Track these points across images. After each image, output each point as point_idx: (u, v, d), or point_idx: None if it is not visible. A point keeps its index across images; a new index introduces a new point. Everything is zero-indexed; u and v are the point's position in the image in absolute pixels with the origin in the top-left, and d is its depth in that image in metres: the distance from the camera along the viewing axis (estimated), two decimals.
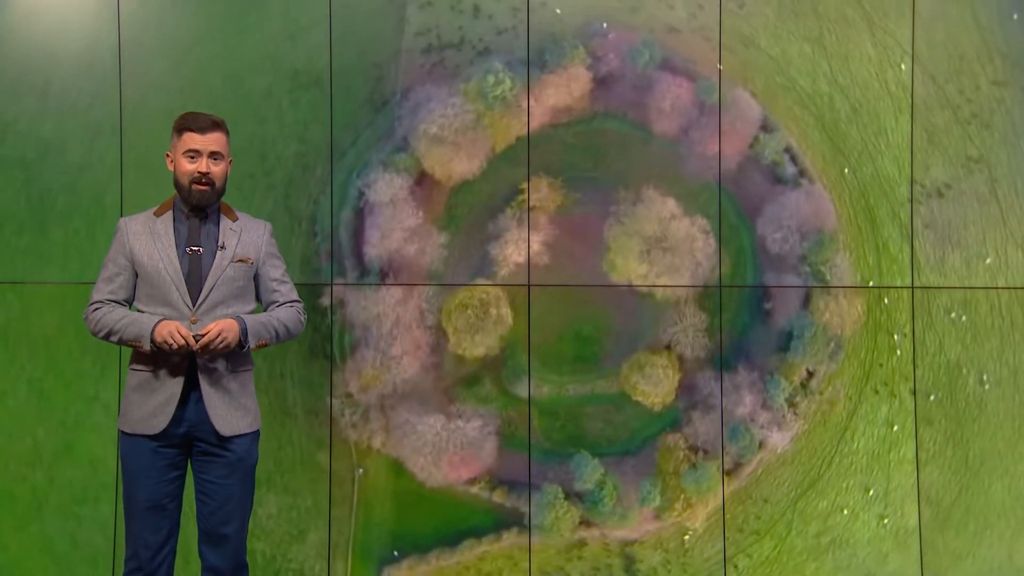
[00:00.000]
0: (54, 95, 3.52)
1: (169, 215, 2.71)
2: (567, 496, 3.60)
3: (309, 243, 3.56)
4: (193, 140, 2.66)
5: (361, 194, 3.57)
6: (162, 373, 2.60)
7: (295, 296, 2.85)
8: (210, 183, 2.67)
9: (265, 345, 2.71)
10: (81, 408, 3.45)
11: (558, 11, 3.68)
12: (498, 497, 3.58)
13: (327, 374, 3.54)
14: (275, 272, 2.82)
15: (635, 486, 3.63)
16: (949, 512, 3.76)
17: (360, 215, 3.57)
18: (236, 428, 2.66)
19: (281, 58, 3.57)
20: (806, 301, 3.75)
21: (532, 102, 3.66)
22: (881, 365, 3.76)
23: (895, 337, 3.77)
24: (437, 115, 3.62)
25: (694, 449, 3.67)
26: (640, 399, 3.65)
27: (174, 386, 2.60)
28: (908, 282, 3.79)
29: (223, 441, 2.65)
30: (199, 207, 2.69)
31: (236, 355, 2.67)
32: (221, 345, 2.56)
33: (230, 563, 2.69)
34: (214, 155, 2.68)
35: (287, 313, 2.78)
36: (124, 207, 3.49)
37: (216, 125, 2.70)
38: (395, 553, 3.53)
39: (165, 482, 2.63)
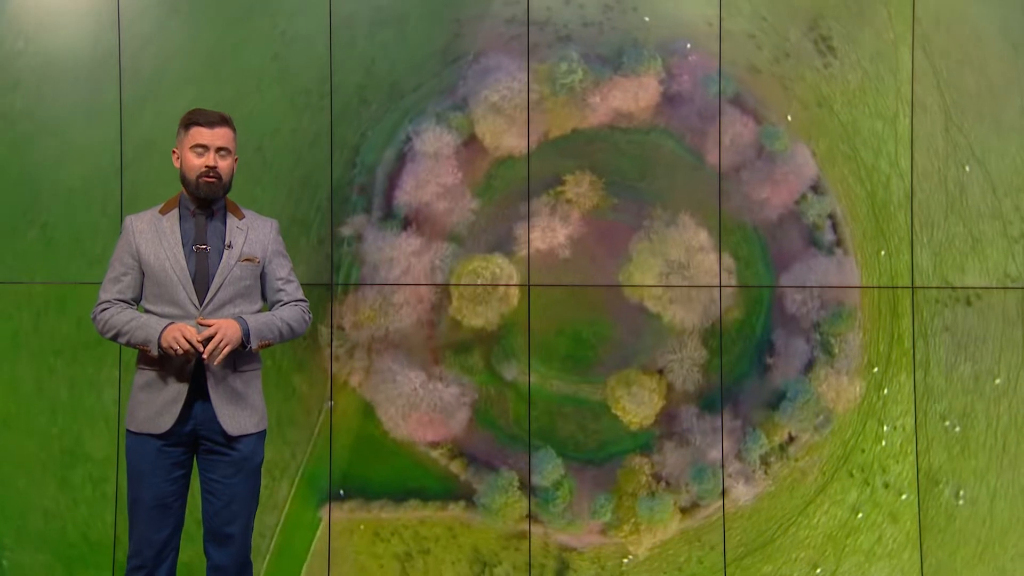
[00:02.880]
0: (53, 90, 3.53)
1: (175, 213, 2.68)
2: (521, 486, 3.59)
3: (345, 173, 3.58)
4: (201, 135, 2.64)
5: (408, 139, 3.59)
6: (169, 373, 2.59)
7: (300, 295, 2.82)
8: (217, 176, 2.65)
9: (269, 344, 2.69)
10: (83, 265, 3.49)
11: (647, 19, 3.68)
12: (455, 468, 3.58)
13: (327, 307, 3.55)
14: (281, 271, 2.79)
15: (590, 496, 3.62)
16: None
17: (402, 159, 3.59)
18: (243, 428, 2.66)
19: None
20: (808, 368, 3.72)
21: (597, 99, 3.66)
22: (863, 451, 3.72)
23: (884, 427, 3.73)
24: (502, 86, 3.63)
25: (657, 478, 3.64)
26: (619, 414, 3.64)
27: (181, 385, 2.59)
28: (914, 392, 3.75)
29: (230, 440, 2.64)
30: (206, 202, 2.67)
31: (243, 355, 2.66)
32: (224, 347, 2.54)
33: (235, 561, 2.69)
34: (221, 150, 2.66)
35: (291, 312, 2.75)
36: (124, 202, 3.51)
37: (224, 120, 2.69)
38: (341, 492, 3.54)
39: (170, 481, 2.63)
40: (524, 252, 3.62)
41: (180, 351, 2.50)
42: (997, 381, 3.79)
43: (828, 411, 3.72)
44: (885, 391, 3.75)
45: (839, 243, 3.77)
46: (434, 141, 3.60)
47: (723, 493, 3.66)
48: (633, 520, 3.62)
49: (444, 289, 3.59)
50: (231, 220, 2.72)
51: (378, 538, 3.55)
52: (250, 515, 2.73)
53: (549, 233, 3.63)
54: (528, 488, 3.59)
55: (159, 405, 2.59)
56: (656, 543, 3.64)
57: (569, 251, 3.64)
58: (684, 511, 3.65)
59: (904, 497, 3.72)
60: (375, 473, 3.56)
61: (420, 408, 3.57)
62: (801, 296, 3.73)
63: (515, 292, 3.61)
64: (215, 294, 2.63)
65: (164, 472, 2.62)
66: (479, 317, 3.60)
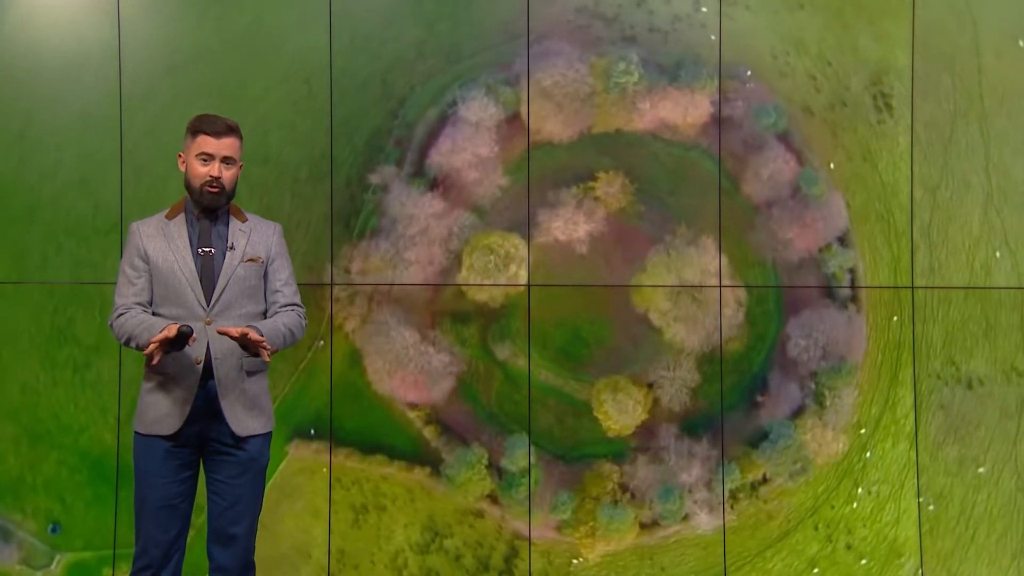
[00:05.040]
0: (54, 93, 3.53)
1: (182, 217, 2.70)
2: (489, 465, 3.59)
3: (386, 122, 3.60)
4: (207, 144, 2.64)
5: (454, 103, 3.60)
6: (178, 374, 2.59)
7: (297, 300, 2.81)
8: (221, 187, 2.66)
9: (275, 351, 2.66)
10: (108, 143, 3.52)
11: (713, 37, 3.68)
12: (429, 433, 3.58)
13: (329, 253, 3.57)
14: (281, 273, 2.79)
15: (553, 491, 3.61)
16: None
17: (443, 120, 3.60)
18: (251, 429, 2.66)
19: None
20: (796, 414, 3.70)
21: (646, 105, 3.66)
22: (833, 507, 3.70)
23: (859, 490, 3.71)
24: (557, 72, 3.64)
25: (624, 488, 3.63)
26: (600, 417, 3.63)
27: (189, 387, 2.60)
28: (898, 468, 3.73)
29: (237, 441, 2.65)
30: (209, 209, 2.69)
31: (250, 356, 2.65)
32: (243, 334, 2.51)
33: (238, 563, 2.68)
34: (227, 160, 2.66)
35: (290, 318, 2.74)
36: (124, 205, 3.53)
37: (231, 130, 2.68)
38: (312, 431, 3.55)
39: (177, 482, 2.64)
40: (542, 239, 3.62)
41: (159, 341, 2.46)
42: (980, 470, 3.76)
43: (807, 461, 3.69)
44: (867, 454, 3.72)
45: (854, 299, 3.75)
46: (479, 111, 3.61)
47: (723, 510, 3.65)
48: (591, 524, 3.61)
49: (458, 257, 3.60)
50: (234, 223, 2.74)
51: (338, 484, 3.56)
52: (255, 516, 2.72)
53: (571, 225, 3.63)
54: (528, 485, 3.60)
55: (168, 407, 2.60)
56: (608, 552, 3.62)
57: (586, 247, 3.64)
58: (643, 527, 3.63)
59: (863, 562, 3.69)
60: (349, 420, 3.57)
61: (407, 367, 3.58)
62: (805, 343, 3.71)
63: (523, 274, 3.61)
64: (220, 295, 2.64)
65: (172, 473, 2.63)
66: (484, 292, 3.61)
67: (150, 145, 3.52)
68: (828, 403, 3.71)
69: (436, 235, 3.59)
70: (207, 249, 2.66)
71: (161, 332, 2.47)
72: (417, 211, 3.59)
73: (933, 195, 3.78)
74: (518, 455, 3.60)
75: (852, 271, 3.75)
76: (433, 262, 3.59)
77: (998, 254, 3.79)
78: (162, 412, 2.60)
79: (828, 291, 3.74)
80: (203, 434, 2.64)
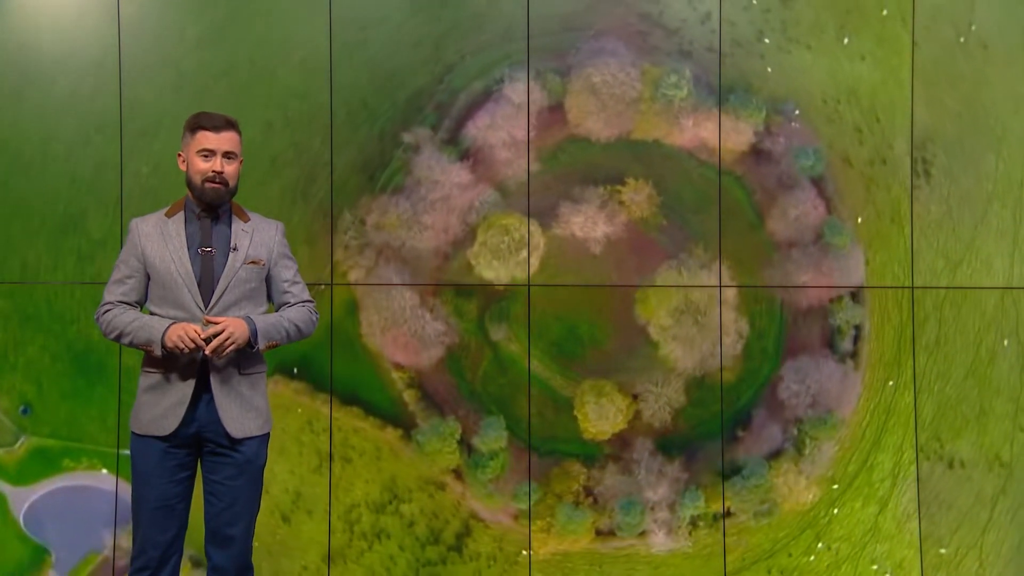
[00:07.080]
0: (55, 92, 3.54)
1: (181, 216, 2.67)
2: (460, 441, 3.59)
3: (430, 86, 3.60)
4: (207, 139, 2.62)
5: (501, 80, 3.61)
6: (174, 375, 2.58)
7: (307, 296, 2.80)
8: (224, 182, 2.62)
9: (276, 346, 2.67)
10: (155, 50, 3.55)
11: (769, 69, 3.68)
12: (408, 396, 3.59)
13: (330, 210, 3.58)
14: (287, 273, 2.77)
15: (518, 479, 3.61)
16: None
17: (486, 95, 3.61)
18: (247, 430, 2.64)
19: None
20: (773, 455, 3.69)
21: (689, 122, 3.66)
22: (790, 555, 3.68)
23: (819, 544, 3.69)
24: (608, 71, 3.65)
25: (587, 492, 3.63)
26: (579, 417, 3.63)
27: (186, 387, 2.58)
28: (863, 531, 3.71)
29: (233, 443, 2.63)
30: (212, 206, 2.65)
31: (248, 356, 2.64)
32: (230, 346, 2.53)
33: (235, 563, 2.67)
34: (228, 154, 2.63)
35: (298, 313, 2.74)
36: (124, 205, 3.54)
37: (230, 124, 2.66)
38: (295, 370, 3.56)
39: (174, 482, 2.63)
40: (559, 230, 3.63)
41: (186, 349, 2.50)
42: (942, 551, 3.73)
43: (774, 504, 3.68)
44: (835, 511, 3.70)
45: (854, 356, 3.73)
46: (523, 93, 3.62)
47: (724, 516, 3.64)
48: (548, 519, 3.61)
49: (473, 231, 3.61)
50: (236, 223, 2.71)
51: (309, 428, 3.57)
52: (252, 517, 2.72)
53: (590, 224, 3.63)
54: (528, 494, 3.61)
55: (164, 407, 2.59)
56: (559, 551, 3.62)
57: (601, 248, 3.64)
58: (599, 534, 3.63)
59: None
60: (334, 368, 3.58)
61: (401, 328, 3.59)
62: (797, 388, 3.70)
63: (535, 261, 3.62)
64: (220, 296, 2.61)
65: (168, 474, 2.62)
66: (491, 271, 3.61)
67: (199, 58, 3.56)
68: (807, 451, 3.69)
69: (456, 205, 3.60)
70: (207, 249, 2.63)
71: (189, 337, 2.49)
72: (443, 178, 3.60)
73: (954, 271, 3.76)
74: (491, 437, 3.60)
75: (858, 328, 3.74)
76: (448, 230, 3.60)
77: (1006, 343, 3.77)
78: (158, 413, 2.59)
79: (829, 342, 3.72)
80: (200, 435, 2.63)
